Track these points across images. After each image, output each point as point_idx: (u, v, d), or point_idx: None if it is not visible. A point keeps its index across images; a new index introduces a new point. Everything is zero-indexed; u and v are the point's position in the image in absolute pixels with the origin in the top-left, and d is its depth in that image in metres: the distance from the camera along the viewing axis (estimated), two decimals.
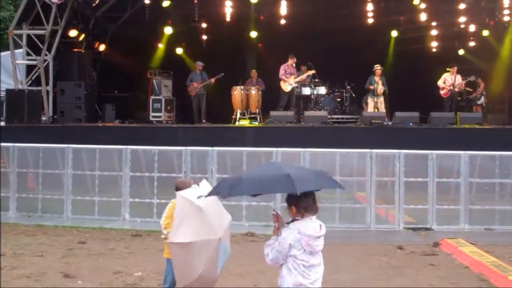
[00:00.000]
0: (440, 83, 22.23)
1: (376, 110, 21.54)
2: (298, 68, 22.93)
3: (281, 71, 22.32)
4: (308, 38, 25.08)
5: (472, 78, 22.44)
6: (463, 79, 22.26)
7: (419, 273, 11.15)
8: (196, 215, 7.18)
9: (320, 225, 6.07)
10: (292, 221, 6.05)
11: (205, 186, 7.58)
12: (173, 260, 7.38)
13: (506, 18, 23.87)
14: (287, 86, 22.22)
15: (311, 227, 5.99)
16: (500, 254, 12.37)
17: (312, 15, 25.39)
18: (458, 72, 22.35)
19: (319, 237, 6.02)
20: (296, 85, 22.45)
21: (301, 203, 6.01)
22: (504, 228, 15.06)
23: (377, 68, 21.96)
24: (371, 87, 21.85)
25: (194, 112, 22.61)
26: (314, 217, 6.07)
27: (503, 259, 11.91)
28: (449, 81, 22.01)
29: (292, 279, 5.98)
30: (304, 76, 22.62)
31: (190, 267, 7.16)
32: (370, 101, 22.10)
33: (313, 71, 22.75)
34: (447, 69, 22.21)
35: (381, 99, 21.91)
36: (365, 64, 22.87)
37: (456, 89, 22.07)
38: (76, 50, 23.53)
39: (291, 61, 22.29)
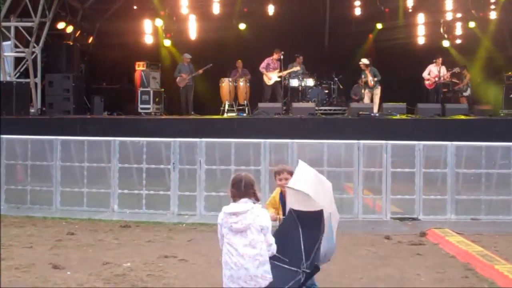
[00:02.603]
0: (425, 74, 22.36)
1: (370, 101, 21.74)
2: (293, 59, 22.99)
3: (263, 64, 22.38)
4: (296, 30, 25.11)
5: (456, 70, 22.55)
6: (448, 71, 22.37)
7: (406, 262, 11.20)
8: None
9: (247, 206, 6.60)
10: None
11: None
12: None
13: (493, 13, 24.01)
14: (267, 79, 22.28)
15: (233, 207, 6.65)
16: (486, 244, 12.44)
17: (300, 7, 25.39)
18: (444, 64, 22.48)
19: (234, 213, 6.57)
20: (279, 79, 22.49)
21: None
22: (490, 218, 15.13)
23: (360, 63, 22.15)
24: (361, 82, 22.02)
25: (182, 104, 22.65)
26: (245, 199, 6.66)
27: (489, 248, 11.98)
28: (434, 72, 22.13)
29: None
30: (285, 73, 22.61)
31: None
32: (365, 94, 22.27)
33: (298, 68, 22.80)
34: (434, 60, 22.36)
35: (376, 90, 22.03)
36: (352, 56, 22.97)
37: (441, 81, 22.18)
38: (64, 42, 23.50)
39: (276, 56, 22.34)
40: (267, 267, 6.55)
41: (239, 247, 6.50)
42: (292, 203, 7.24)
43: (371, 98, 22.15)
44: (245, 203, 6.59)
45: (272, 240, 6.69)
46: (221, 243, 6.74)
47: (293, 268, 6.80)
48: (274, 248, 6.72)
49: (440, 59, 22.38)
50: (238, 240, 6.52)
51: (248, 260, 6.46)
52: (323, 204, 7.06)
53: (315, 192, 7.08)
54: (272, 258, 6.75)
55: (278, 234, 7.01)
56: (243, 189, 6.64)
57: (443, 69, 22.20)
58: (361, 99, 22.71)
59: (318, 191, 7.14)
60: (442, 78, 22.15)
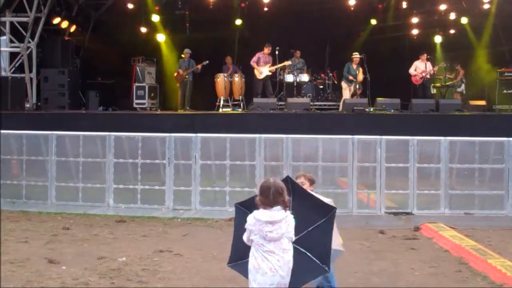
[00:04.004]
0: (411, 70, 22.41)
1: (355, 97, 21.78)
2: (281, 56, 23.01)
3: (254, 58, 22.39)
4: (290, 26, 25.11)
5: (442, 64, 22.60)
6: (434, 66, 22.44)
7: (400, 256, 11.29)
8: None
9: (280, 214, 6.45)
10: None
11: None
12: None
13: (486, 6, 24.04)
14: (258, 73, 22.32)
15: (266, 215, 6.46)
16: (480, 238, 12.55)
17: (296, 2, 25.39)
18: (442, 60, 22.58)
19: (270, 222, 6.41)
20: (270, 73, 22.52)
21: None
22: (483, 212, 15.24)
23: (355, 56, 22.15)
24: (350, 77, 22.03)
25: (180, 99, 22.66)
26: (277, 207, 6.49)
27: (482, 242, 12.09)
28: (420, 68, 22.19)
29: None
30: (276, 67, 22.61)
31: None
32: (346, 87, 22.26)
33: (289, 62, 22.84)
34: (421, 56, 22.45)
35: (360, 85, 22.09)
36: (346, 51, 23.00)
37: (428, 76, 22.26)
38: (59, 37, 23.48)
39: (267, 50, 22.32)
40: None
41: (274, 254, 6.43)
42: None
43: (352, 92, 22.17)
44: (278, 212, 6.45)
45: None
46: (248, 244, 6.61)
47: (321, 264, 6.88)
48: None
49: (425, 54, 22.46)
50: (272, 247, 6.42)
51: (283, 267, 6.43)
52: None
53: None
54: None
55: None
56: (271, 197, 6.43)
57: (429, 65, 22.27)
58: (355, 94, 22.66)
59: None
60: (428, 74, 22.20)
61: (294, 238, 6.55)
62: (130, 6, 24.20)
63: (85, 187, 16.30)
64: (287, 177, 7.12)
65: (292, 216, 6.53)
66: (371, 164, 15.67)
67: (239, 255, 6.90)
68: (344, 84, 22.40)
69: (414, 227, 13.69)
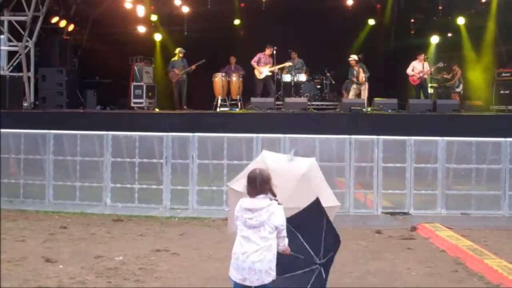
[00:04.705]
0: (409, 71, 22.42)
1: (356, 97, 21.82)
2: (289, 55, 23.07)
3: (255, 58, 22.47)
4: (288, 26, 25.11)
5: (440, 64, 22.62)
6: (431, 66, 22.45)
7: (396, 256, 11.31)
8: None
9: (264, 203, 6.69)
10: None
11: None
12: (229, 204, 7.42)
13: (484, 7, 24.07)
14: (258, 73, 22.35)
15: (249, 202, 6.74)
16: (476, 238, 12.55)
17: (294, 3, 25.42)
18: (439, 60, 22.59)
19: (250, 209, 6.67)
20: (270, 74, 22.56)
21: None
22: (480, 212, 15.24)
23: (350, 59, 22.25)
24: (354, 78, 22.11)
25: (175, 99, 22.67)
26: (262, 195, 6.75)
27: (479, 243, 12.09)
28: (418, 68, 22.21)
29: None
30: (276, 67, 22.66)
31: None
32: (352, 89, 22.33)
33: (290, 63, 22.89)
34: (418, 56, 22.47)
35: (364, 86, 22.13)
36: (344, 51, 23.03)
37: (426, 76, 22.29)
38: (57, 36, 23.49)
39: (268, 51, 22.41)
40: (273, 264, 6.65)
41: (250, 240, 6.61)
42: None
43: (358, 94, 22.23)
44: (262, 199, 6.69)
45: (285, 234, 6.80)
46: (234, 229, 6.90)
47: (306, 269, 6.91)
48: (286, 241, 6.83)
49: (423, 55, 22.48)
50: (250, 234, 6.62)
51: (256, 253, 6.56)
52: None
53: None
54: (285, 267, 7.00)
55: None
56: (258, 186, 6.70)
57: (426, 65, 22.29)
58: (352, 95, 22.74)
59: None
60: (426, 74, 22.23)
61: (281, 228, 6.68)
62: (128, 5, 24.19)
63: (83, 186, 16.30)
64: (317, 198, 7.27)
65: (280, 206, 6.68)
66: (368, 164, 15.68)
67: None
68: (352, 86, 22.43)
69: (410, 227, 13.71)
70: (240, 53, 24.04)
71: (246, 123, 18.42)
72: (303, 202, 7.31)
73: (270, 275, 6.62)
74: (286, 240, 6.82)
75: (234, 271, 6.66)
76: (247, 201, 6.72)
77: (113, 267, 10.18)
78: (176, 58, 22.79)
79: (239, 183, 7.40)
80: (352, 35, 25.85)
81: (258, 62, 22.43)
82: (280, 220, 6.67)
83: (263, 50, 22.55)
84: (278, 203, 6.71)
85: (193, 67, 22.33)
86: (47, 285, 9.22)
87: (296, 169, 7.57)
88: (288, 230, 6.90)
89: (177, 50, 22.91)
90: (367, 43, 25.62)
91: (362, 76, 21.96)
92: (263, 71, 22.29)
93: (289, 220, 7.03)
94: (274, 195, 6.75)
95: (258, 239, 6.59)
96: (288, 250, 6.91)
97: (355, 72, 22.19)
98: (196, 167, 15.81)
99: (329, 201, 7.85)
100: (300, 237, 7.17)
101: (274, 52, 22.37)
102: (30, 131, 16.69)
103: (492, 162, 15.54)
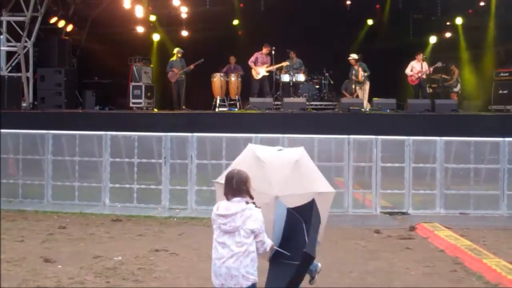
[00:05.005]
0: (407, 71, 22.42)
1: (357, 97, 21.88)
2: (287, 55, 23.08)
3: (252, 58, 22.49)
4: (287, 25, 25.12)
5: (439, 64, 22.63)
6: (430, 66, 22.47)
7: (395, 256, 11.32)
8: (254, 167, 7.26)
9: (239, 206, 6.49)
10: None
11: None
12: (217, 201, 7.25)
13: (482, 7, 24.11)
14: (255, 73, 22.38)
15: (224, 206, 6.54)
16: (475, 238, 12.58)
17: (292, 3, 25.44)
18: (437, 60, 22.60)
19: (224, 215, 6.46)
20: (267, 74, 22.57)
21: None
22: (479, 212, 15.26)
23: (350, 58, 22.29)
24: (354, 77, 22.15)
25: (174, 99, 22.67)
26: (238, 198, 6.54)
27: (478, 242, 12.12)
28: (416, 68, 22.22)
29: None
30: (274, 67, 22.68)
31: None
32: (353, 88, 22.43)
33: (287, 63, 22.89)
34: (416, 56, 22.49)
35: (365, 86, 22.15)
36: (342, 51, 23.05)
37: (424, 76, 22.31)
38: (56, 36, 23.50)
39: (265, 50, 22.42)
40: (251, 268, 6.48)
41: (225, 245, 6.45)
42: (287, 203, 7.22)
43: (357, 93, 22.28)
44: (237, 203, 6.49)
45: (265, 238, 6.61)
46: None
47: (295, 262, 6.84)
48: (267, 245, 6.67)
49: (421, 55, 22.50)
50: (225, 239, 6.46)
51: (231, 259, 6.42)
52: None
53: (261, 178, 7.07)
54: (275, 256, 6.88)
55: (284, 232, 7.07)
56: (235, 185, 6.52)
57: (425, 65, 22.31)
58: (351, 94, 22.80)
59: (253, 175, 6.93)
60: (424, 74, 22.25)
61: (258, 231, 6.49)
62: (127, 5, 24.18)
63: (81, 186, 16.31)
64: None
65: (258, 209, 6.51)
66: (367, 164, 15.70)
67: None
68: (355, 86, 22.47)
69: (409, 226, 13.73)
70: (239, 53, 24.04)
71: (245, 123, 18.45)
72: (299, 189, 7.26)
73: (249, 280, 6.44)
74: (267, 244, 6.65)
75: (213, 276, 6.57)
76: (222, 206, 6.54)
77: (112, 267, 10.19)
78: (174, 58, 22.78)
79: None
80: (351, 35, 25.85)
81: (256, 62, 22.44)
82: (256, 224, 6.46)
83: (261, 50, 22.55)
84: (256, 206, 6.55)
85: (192, 66, 22.32)
86: (46, 285, 9.24)
87: (288, 157, 7.53)
88: (293, 216, 6.91)
89: (176, 50, 22.91)
90: (366, 43, 25.64)
91: (362, 75, 21.97)
92: (260, 71, 22.30)
93: (295, 209, 7.04)
94: (251, 197, 6.57)
95: (233, 244, 6.41)
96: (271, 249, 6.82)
97: (354, 71, 22.21)
98: (195, 167, 15.82)
99: (324, 187, 7.81)
100: (303, 224, 7.04)
101: (273, 52, 22.38)
102: (29, 131, 16.69)
103: (490, 162, 15.56)
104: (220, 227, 6.47)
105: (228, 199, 6.56)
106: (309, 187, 7.24)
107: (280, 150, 7.63)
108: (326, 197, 7.56)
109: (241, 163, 7.29)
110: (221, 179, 7.16)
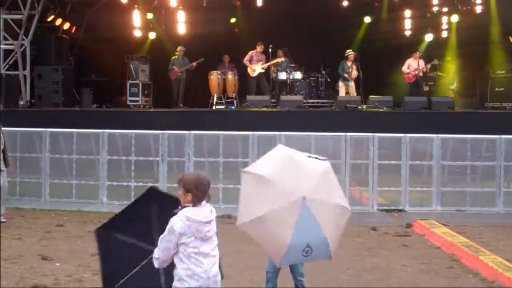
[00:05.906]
0: (404, 68, 22.45)
1: (348, 95, 21.85)
2: (274, 53, 23.05)
3: (247, 57, 22.52)
4: (284, 23, 25.10)
5: (435, 62, 22.65)
6: (426, 63, 22.48)
7: (392, 253, 11.38)
8: (286, 166, 7.11)
9: (211, 210, 6.12)
10: (181, 208, 6.02)
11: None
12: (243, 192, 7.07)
13: (479, 5, 24.12)
14: (251, 71, 22.41)
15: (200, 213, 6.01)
16: (471, 235, 12.65)
17: (290, 1, 25.43)
18: (434, 57, 22.64)
19: (209, 222, 6.03)
20: (263, 71, 22.58)
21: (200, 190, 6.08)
22: (475, 209, 15.37)
23: (350, 53, 22.19)
24: (346, 74, 22.08)
25: (173, 96, 22.66)
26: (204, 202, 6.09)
27: (474, 239, 12.18)
28: (413, 66, 22.25)
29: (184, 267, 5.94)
30: (268, 64, 22.67)
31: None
32: (342, 86, 22.32)
33: (282, 59, 22.88)
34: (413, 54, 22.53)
35: (352, 83, 22.15)
36: (339, 49, 23.04)
37: (421, 74, 22.34)
38: (53, 34, 23.48)
39: (259, 48, 22.43)
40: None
41: (208, 255, 5.98)
42: None
43: (346, 90, 22.23)
44: (208, 206, 6.10)
45: None
46: (172, 253, 5.95)
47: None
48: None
49: (418, 52, 22.57)
50: (205, 248, 5.96)
51: (214, 266, 6.02)
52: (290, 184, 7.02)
53: (278, 173, 6.96)
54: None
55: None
56: (208, 191, 6.13)
57: (422, 62, 22.34)
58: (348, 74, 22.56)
59: (284, 172, 6.92)
60: (421, 71, 22.28)
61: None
62: (124, 3, 24.18)
63: (79, 184, 16.34)
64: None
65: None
66: (364, 161, 15.76)
67: (115, 278, 6.43)
68: (340, 83, 22.43)
69: (406, 224, 13.79)
70: (236, 52, 24.06)
71: (242, 121, 18.46)
72: (325, 196, 7.21)
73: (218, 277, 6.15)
74: None
75: None
76: (196, 213, 5.98)
77: None
78: (176, 56, 22.80)
79: (260, 168, 7.03)
80: (347, 33, 25.81)
81: (251, 60, 22.46)
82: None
83: (255, 48, 22.59)
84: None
85: (194, 64, 22.33)
86: (43, 283, 9.26)
87: (316, 165, 7.54)
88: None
89: (178, 48, 22.90)
90: (363, 41, 25.62)
91: (355, 73, 21.96)
92: (255, 68, 22.32)
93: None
94: (210, 198, 6.21)
95: (212, 250, 6.02)
96: None
97: (346, 67, 22.11)
98: (192, 165, 15.84)
99: (345, 202, 7.82)
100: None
101: (270, 49, 22.40)
102: (26, 129, 16.71)
103: (487, 159, 15.64)
104: (205, 236, 5.94)
105: (198, 204, 6.03)
106: (333, 198, 7.24)
107: (310, 156, 7.63)
108: (345, 213, 7.51)
109: (273, 160, 7.23)
110: (255, 169, 7.00)
